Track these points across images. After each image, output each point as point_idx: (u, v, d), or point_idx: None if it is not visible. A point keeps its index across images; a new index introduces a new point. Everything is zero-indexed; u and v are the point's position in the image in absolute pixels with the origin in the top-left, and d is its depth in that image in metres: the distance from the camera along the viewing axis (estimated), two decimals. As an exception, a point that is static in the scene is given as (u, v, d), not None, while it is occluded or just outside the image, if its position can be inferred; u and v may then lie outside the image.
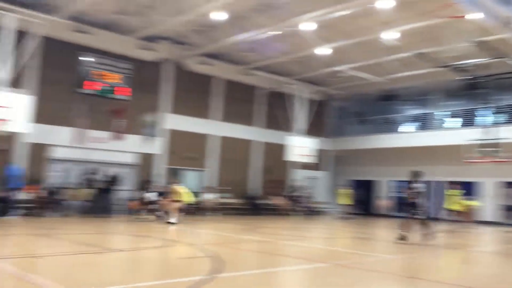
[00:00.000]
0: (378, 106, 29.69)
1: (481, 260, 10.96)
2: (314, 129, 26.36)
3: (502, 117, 23.01)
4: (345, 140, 28.48)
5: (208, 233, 14.33)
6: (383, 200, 24.01)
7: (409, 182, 11.95)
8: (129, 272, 7.52)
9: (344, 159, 29.70)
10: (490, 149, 19.31)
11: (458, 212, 18.20)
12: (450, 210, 18.36)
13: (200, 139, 23.35)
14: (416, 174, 11.92)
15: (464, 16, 12.21)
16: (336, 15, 16.78)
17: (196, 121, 23.17)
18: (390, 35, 18.36)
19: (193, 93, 23.03)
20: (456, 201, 18.09)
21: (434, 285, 7.08)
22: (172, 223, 15.07)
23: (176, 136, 22.24)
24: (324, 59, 22.23)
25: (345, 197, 22.74)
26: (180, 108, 22.49)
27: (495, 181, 22.51)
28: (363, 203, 27.90)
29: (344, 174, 29.58)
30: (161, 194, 17.91)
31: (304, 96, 25.59)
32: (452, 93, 26.00)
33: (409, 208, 11.77)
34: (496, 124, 22.10)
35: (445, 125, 26.30)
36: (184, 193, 16.37)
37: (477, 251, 12.69)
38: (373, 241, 14.43)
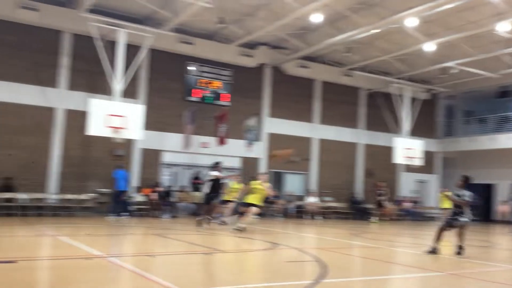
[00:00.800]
0: (492, 104, 27.54)
1: None
2: (421, 130, 25.16)
3: None
4: (456, 141, 26.78)
5: (313, 237, 14.28)
6: (504, 204, 22.18)
7: None
8: (238, 273, 7.70)
9: (455, 161, 27.95)
10: None
11: None
12: None
13: (301, 142, 23.39)
14: None
15: None
16: (440, 9, 15.92)
17: (297, 124, 23.28)
18: (504, 27, 17.00)
19: (293, 96, 23.18)
20: None
21: None
22: (238, 229, 12.68)
23: (277, 140, 22.49)
24: (429, 56, 21.14)
25: (446, 201, 21.12)
26: (280, 112, 22.76)
27: None
28: (481, 208, 26.10)
29: (456, 178, 27.79)
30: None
31: (409, 96, 24.54)
32: None
33: None
34: None
35: None
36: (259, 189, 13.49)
37: None
38: (492, 249, 13.40)
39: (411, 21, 16.89)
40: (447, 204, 20.95)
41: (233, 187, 15.11)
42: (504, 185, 24.88)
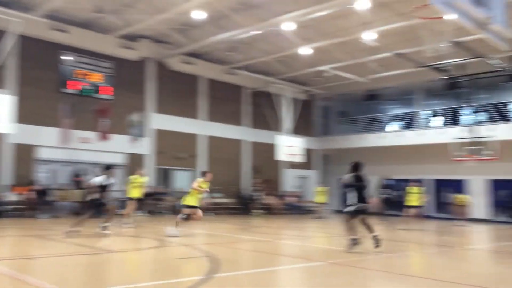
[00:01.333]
0: (363, 106, 30.15)
1: (477, 258, 11.12)
2: (301, 129, 26.75)
3: (483, 116, 23.58)
4: (332, 139, 28.80)
5: (203, 233, 14.38)
6: (374, 198, 24.35)
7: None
8: (126, 272, 7.57)
9: (333, 158, 30.09)
10: (475, 148, 19.77)
11: (411, 208, 17.37)
12: (409, 207, 17.39)
13: (188, 138, 23.37)
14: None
15: (442, 17, 12.48)
16: (315, 15, 17.01)
17: (183, 121, 23.19)
18: (369, 36, 18.69)
19: (179, 92, 23.06)
20: (415, 198, 17.27)
21: (429, 283, 7.30)
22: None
23: (164, 136, 22.23)
24: (306, 59, 22.53)
25: (321, 195, 22.73)
26: (166, 107, 22.48)
27: (483, 178, 23.09)
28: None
29: (334, 173, 29.97)
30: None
31: (289, 96, 25.82)
32: (435, 92, 26.62)
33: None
34: (479, 123, 22.60)
35: (430, 124, 26.87)
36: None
37: (472, 249, 12.88)
38: (367, 239, 14.57)
39: (288, 25, 17.81)
40: (323, 199, 22.69)
41: (136, 181, 14.32)
42: (373, 180, 27.30)
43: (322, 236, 15.07)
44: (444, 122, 25.45)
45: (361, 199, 10.02)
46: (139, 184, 14.44)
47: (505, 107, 24.03)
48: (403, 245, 12.54)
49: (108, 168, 11.93)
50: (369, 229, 9.94)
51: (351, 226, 9.87)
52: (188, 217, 11.84)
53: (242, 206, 23.59)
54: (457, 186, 24.14)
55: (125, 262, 8.60)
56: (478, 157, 19.49)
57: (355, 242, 9.72)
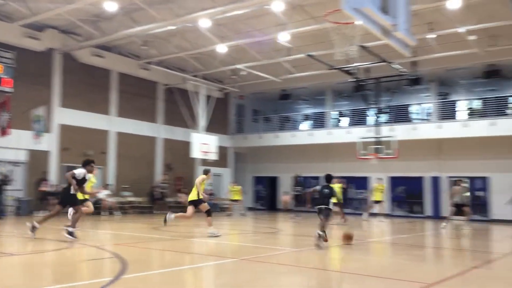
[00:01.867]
0: (277, 105, 30.88)
1: (377, 250, 11.86)
2: (216, 127, 26.77)
3: (385, 117, 25.12)
4: (247, 137, 29.12)
5: (112, 234, 13.90)
6: (286, 195, 25.01)
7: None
8: (27, 276, 7.10)
9: (246, 156, 30.48)
10: (378, 147, 20.96)
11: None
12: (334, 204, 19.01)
13: (98, 135, 22.41)
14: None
15: (353, 23, 13.12)
16: (231, 14, 17.11)
17: (93, 116, 22.20)
18: (283, 37, 19.15)
19: (88, 86, 22.03)
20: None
21: (333, 275, 7.63)
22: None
23: (70, 132, 21.12)
24: (222, 57, 22.61)
25: (235, 194, 23.21)
26: (73, 102, 21.38)
27: (384, 176, 24.57)
28: (267, 199, 29.19)
29: (247, 171, 30.41)
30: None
31: (204, 93, 25.70)
32: (344, 93, 27.95)
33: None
34: (382, 123, 23.99)
35: (340, 123, 28.15)
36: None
37: (373, 242, 13.64)
38: (278, 234, 14.96)
39: (204, 22, 17.71)
40: (237, 196, 22.96)
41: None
42: (286, 178, 28.12)
43: (234, 234, 15.20)
44: (351, 122, 26.78)
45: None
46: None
47: (405, 109, 25.85)
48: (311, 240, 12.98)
49: (87, 163, 11.03)
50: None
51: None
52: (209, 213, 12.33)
53: (153, 205, 23.10)
54: (362, 183, 25.64)
55: (27, 265, 8.05)
56: (380, 155, 20.71)
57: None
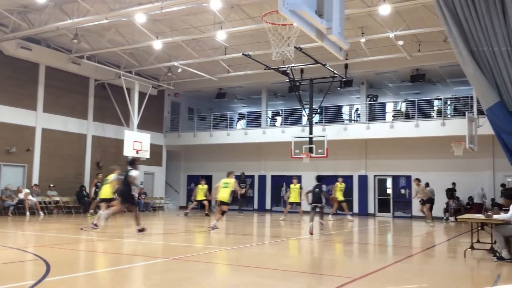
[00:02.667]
0: (212, 103, 30.79)
1: (306, 247, 12.17)
2: (149, 124, 26.31)
3: (318, 118, 25.79)
4: (180, 135, 28.77)
5: (35, 235, 13.23)
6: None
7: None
8: None
9: (180, 155, 30.11)
10: (310, 146, 21.45)
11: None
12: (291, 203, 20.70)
13: (23, 131, 21.23)
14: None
15: (291, 24, 13.37)
16: (167, 10, 16.85)
17: (18, 112, 20.97)
18: (220, 35, 19.13)
19: (14, 80, 20.81)
20: (295, 194, 20.05)
21: (264, 271, 7.74)
22: None
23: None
24: (157, 53, 22.24)
25: (201, 193, 22.84)
26: (-4, 96, 20.17)
27: (315, 174, 25.15)
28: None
29: (181, 170, 30.05)
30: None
31: (138, 90, 25.11)
32: (279, 93, 28.38)
33: None
34: (314, 123, 24.59)
35: (274, 123, 28.53)
36: None
37: (303, 238, 14.05)
38: (213, 234, 14.91)
39: (140, 17, 17.25)
40: (201, 197, 22.58)
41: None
42: (220, 176, 27.98)
43: (166, 233, 15.00)
44: (285, 122, 27.26)
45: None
46: None
47: (337, 110, 26.68)
48: (247, 238, 13.10)
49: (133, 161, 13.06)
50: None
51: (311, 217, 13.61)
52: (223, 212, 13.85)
53: (81, 205, 22.29)
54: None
55: None
56: (312, 155, 21.23)
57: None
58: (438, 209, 22.81)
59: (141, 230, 12.14)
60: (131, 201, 12.74)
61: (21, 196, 19.75)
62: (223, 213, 13.83)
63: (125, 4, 16.63)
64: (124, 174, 12.82)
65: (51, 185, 21.76)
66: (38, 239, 12.27)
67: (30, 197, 19.86)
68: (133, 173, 12.36)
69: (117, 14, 16.95)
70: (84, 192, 22.66)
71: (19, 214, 19.39)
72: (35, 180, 21.36)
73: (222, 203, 13.53)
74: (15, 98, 20.87)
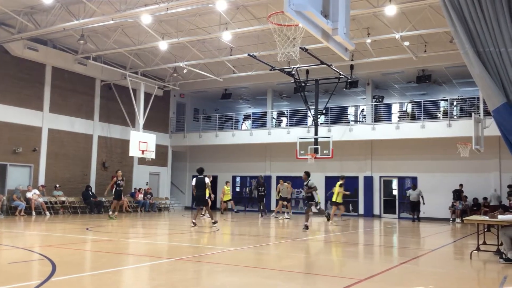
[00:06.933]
0: (217, 104, 30.84)
1: (314, 248, 12.15)
2: (155, 124, 26.42)
3: (323, 118, 25.76)
4: (187, 136, 28.80)
5: (42, 235, 13.29)
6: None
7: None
8: None
9: (186, 155, 30.16)
10: (316, 147, 21.43)
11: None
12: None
13: (30, 131, 21.32)
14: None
15: (297, 25, 13.36)
16: (173, 11, 16.88)
17: (25, 112, 21.09)
18: (226, 36, 19.16)
19: (20, 81, 20.94)
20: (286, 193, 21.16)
21: (268, 272, 7.74)
22: None
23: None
24: (163, 54, 22.29)
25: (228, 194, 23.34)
26: (3, 97, 20.22)
27: (320, 175, 25.17)
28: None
29: (187, 170, 30.10)
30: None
31: (144, 90, 25.18)
32: (285, 94, 28.35)
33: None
34: (320, 124, 24.54)
35: (279, 124, 28.49)
36: None
37: (306, 240, 14.01)
38: (220, 234, 14.91)
39: (145, 18, 17.33)
40: (227, 197, 22.81)
41: None
42: (226, 177, 28.07)
43: (172, 233, 15.03)
44: (291, 123, 27.25)
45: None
46: None
47: (342, 111, 26.63)
48: (250, 239, 13.10)
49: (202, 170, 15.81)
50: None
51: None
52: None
53: (87, 205, 22.36)
54: (301, 182, 26.05)
55: None
56: (318, 156, 21.20)
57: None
58: (444, 211, 22.74)
59: (215, 223, 15.53)
60: (204, 203, 16.15)
61: (29, 195, 19.85)
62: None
63: (131, 5, 16.70)
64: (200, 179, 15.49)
65: (57, 185, 21.86)
66: (44, 239, 12.33)
67: (37, 197, 19.99)
68: (207, 179, 15.66)
69: (123, 15, 17.03)
70: (90, 192, 22.76)
71: (25, 214, 19.48)
72: (41, 180, 21.48)
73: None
74: (21, 98, 20.99)
